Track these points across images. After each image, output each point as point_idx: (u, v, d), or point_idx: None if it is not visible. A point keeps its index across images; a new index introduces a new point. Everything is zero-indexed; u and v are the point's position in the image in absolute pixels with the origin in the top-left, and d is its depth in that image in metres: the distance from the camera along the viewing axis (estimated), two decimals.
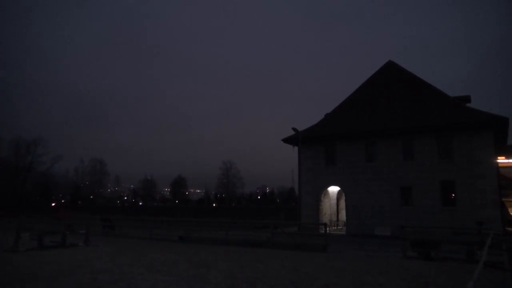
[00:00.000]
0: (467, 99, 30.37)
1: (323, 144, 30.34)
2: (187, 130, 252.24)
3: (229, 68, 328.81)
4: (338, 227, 31.69)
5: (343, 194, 30.35)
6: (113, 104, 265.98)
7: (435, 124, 26.09)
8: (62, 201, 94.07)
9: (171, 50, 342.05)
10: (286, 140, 31.57)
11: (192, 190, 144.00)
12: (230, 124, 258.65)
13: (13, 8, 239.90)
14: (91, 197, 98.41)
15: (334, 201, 33.87)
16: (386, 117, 28.61)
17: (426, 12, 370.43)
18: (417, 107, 28.09)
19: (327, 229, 18.64)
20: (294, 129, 29.09)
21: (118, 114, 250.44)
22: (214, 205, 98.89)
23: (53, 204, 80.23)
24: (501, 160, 33.57)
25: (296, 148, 31.21)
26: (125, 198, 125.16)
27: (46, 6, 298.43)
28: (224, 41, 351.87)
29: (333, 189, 32.56)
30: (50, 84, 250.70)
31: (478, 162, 24.69)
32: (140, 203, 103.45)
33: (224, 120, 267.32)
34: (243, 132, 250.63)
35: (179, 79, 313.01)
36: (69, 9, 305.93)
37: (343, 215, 31.93)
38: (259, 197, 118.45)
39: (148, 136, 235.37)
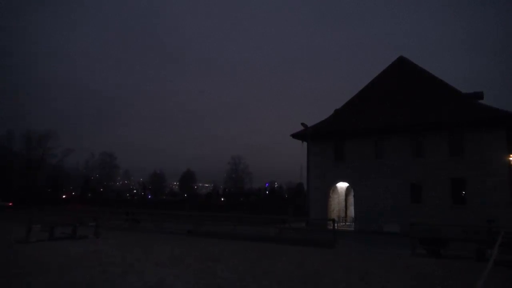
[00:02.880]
0: (479, 95, 29.85)
1: (332, 139, 30.19)
2: (197, 125, 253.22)
3: (239, 66, 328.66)
4: (347, 223, 31.59)
5: (352, 190, 30.22)
6: (123, 100, 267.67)
7: (446, 120, 25.76)
8: (73, 193, 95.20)
9: (182, 48, 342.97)
10: (295, 136, 31.47)
11: (200, 184, 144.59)
12: (240, 120, 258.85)
13: (27, 6, 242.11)
14: (101, 190, 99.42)
15: (342, 197, 33.73)
16: (396, 113, 28.33)
17: (438, 8, 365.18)
18: (428, 103, 27.75)
19: (335, 225, 18.56)
20: (303, 124, 28.95)
21: (128, 110, 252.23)
22: (222, 199, 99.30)
23: (63, 197, 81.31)
24: None
25: (305, 143, 31.10)
26: (135, 191, 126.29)
27: (58, 5, 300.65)
28: (235, 39, 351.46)
29: (342, 185, 32.42)
30: (61, 80, 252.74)
31: (490, 159, 24.36)
32: (149, 197, 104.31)
33: (233, 116, 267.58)
34: (253, 127, 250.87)
35: (189, 76, 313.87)
36: (81, 8, 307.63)
37: (351, 211, 31.80)
38: (267, 192, 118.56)
39: (158, 131, 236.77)
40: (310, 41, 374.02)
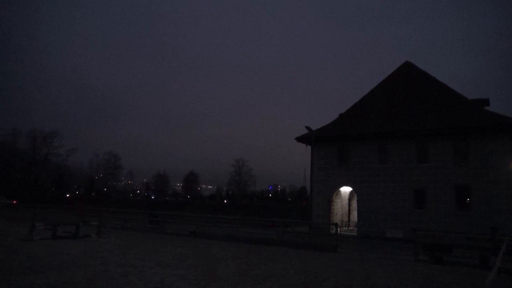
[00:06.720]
0: (485, 102, 29.72)
1: (336, 144, 30.12)
2: (201, 127, 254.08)
3: (244, 66, 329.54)
4: (349, 228, 31.47)
5: (355, 195, 30.11)
6: (128, 100, 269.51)
7: (451, 126, 25.64)
8: (77, 193, 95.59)
9: (186, 48, 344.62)
10: (299, 139, 31.43)
11: (204, 186, 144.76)
12: (244, 121, 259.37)
13: (32, 5, 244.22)
14: (105, 189, 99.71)
15: (346, 202, 33.63)
16: (401, 119, 28.25)
17: (445, 12, 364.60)
18: (434, 109, 27.66)
19: (338, 229, 18.50)
20: (307, 128, 28.93)
21: (133, 110, 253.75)
22: (225, 201, 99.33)
23: (67, 196, 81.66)
24: None
25: (309, 147, 31.07)
26: (138, 192, 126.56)
27: (64, 4, 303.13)
28: (240, 39, 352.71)
29: (345, 190, 32.33)
30: (67, 79, 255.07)
31: (495, 166, 24.20)
32: (152, 197, 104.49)
33: (237, 117, 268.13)
34: (257, 130, 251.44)
35: (194, 76, 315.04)
36: (86, 7, 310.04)
37: (354, 216, 31.69)
38: (270, 195, 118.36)
39: (162, 132, 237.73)
40: (316, 43, 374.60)
